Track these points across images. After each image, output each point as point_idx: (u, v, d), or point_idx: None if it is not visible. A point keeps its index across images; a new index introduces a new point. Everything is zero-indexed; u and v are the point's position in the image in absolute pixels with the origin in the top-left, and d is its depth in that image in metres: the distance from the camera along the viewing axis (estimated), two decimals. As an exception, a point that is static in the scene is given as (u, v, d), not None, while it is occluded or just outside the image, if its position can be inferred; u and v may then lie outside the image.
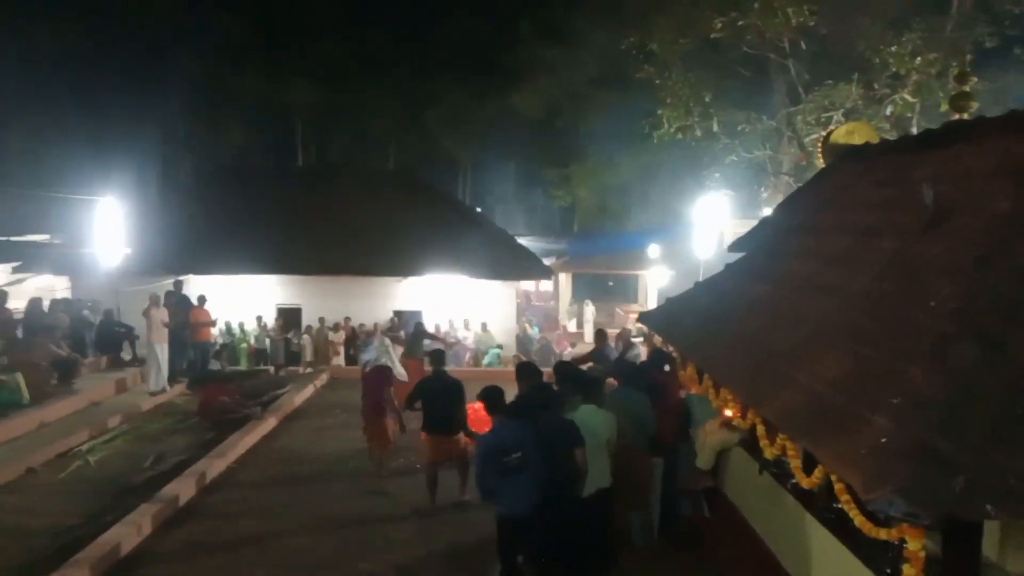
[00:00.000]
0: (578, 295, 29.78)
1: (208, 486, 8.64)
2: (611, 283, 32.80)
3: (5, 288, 13.86)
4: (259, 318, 17.83)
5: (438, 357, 8.29)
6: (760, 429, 4.50)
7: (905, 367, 3.36)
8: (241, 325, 17.96)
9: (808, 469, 3.93)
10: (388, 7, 44.13)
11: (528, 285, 27.42)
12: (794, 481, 4.28)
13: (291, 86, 40.28)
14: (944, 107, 14.59)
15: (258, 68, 39.79)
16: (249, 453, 10.04)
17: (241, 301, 18.19)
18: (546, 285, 29.63)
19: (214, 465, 9.08)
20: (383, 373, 8.82)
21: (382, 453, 8.76)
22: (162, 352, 13.33)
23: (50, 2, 33.54)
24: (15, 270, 18.15)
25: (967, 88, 5.63)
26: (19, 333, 12.64)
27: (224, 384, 12.66)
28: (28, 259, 18.69)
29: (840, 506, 3.59)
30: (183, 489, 8.18)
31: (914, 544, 3.05)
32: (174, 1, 38.17)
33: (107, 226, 16.03)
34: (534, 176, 42.67)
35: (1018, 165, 4.04)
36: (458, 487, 8.03)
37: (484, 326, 18.43)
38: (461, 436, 7.83)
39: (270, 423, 11.34)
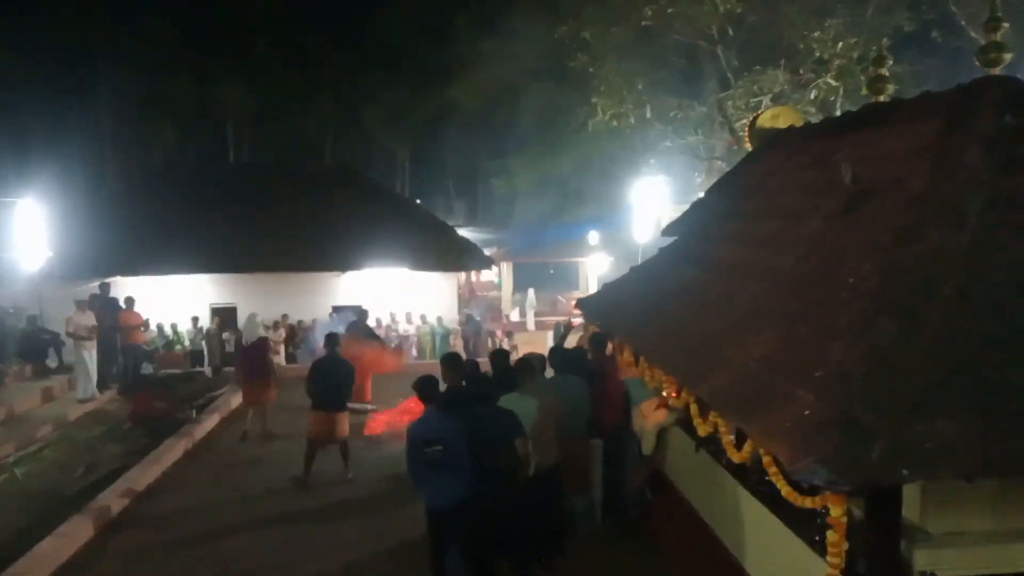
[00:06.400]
0: (520, 284, 29.92)
1: (143, 493, 8.39)
2: (552, 271, 33.04)
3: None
4: (195, 319, 17.37)
5: (332, 339, 9.00)
6: (694, 408, 4.60)
7: (828, 343, 3.47)
8: (174, 327, 17.48)
9: (739, 444, 4.04)
10: (320, 5, 43.34)
11: (471, 276, 27.38)
12: (728, 457, 4.39)
13: (223, 87, 39.33)
14: (865, 90, 15.09)
15: (189, 70, 38.73)
16: (185, 458, 9.78)
17: (174, 302, 17.71)
18: (487, 275, 29.65)
19: (149, 471, 8.82)
20: (265, 343, 11.05)
21: (264, 409, 10.41)
22: (90, 357, 12.85)
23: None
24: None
25: (884, 71, 5.82)
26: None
27: (157, 388, 12.30)
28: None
29: (770, 478, 3.70)
30: (117, 497, 7.92)
31: (836, 511, 3.16)
32: (103, 6, 36.91)
33: (27, 229, 15.35)
34: (474, 168, 42.56)
35: (932, 146, 4.20)
36: (342, 466, 8.71)
37: (423, 317, 18.33)
38: (345, 416, 8.60)
39: (206, 426, 11.06)
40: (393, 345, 17.51)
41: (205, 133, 41.95)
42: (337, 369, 8.56)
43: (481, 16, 35.61)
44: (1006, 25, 4.14)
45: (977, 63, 4.23)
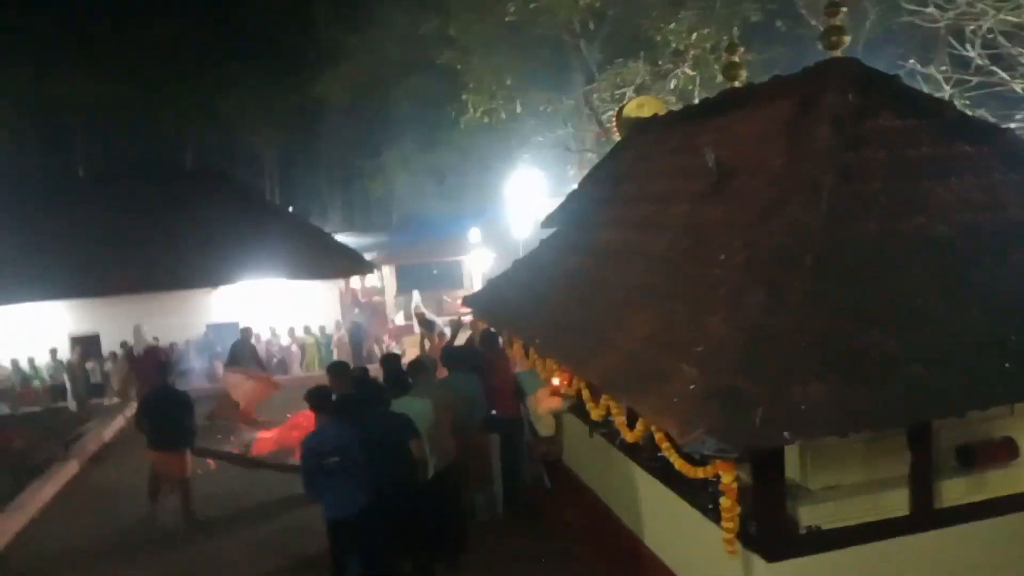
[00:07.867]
0: (404, 287, 29.57)
1: (10, 543, 7.70)
2: (435, 271, 32.84)
3: None
4: (53, 351, 16.05)
5: (164, 369, 8.22)
6: (585, 393, 4.70)
7: (705, 318, 3.63)
8: (31, 360, 16.11)
9: (631, 424, 4.16)
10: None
11: (354, 282, 26.85)
12: (621, 438, 4.51)
13: (67, 80, 35.73)
14: (719, 78, 15.89)
15: (27, 62, 34.90)
16: (56, 499, 9.04)
17: (28, 334, 16.32)
18: (371, 280, 29.17)
19: (14, 519, 8.09)
20: (156, 350, 12.37)
21: None
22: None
23: None
24: None
25: (736, 59, 6.15)
26: None
27: (16, 427, 11.32)
28: None
29: (663, 454, 3.83)
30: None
31: (727, 477, 3.32)
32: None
33: None
34: (348, 170, 41.55)
35: (785, 126, 4.46)
36: (181, 509, 7.58)
37: (307, 329, 17.78)
38: (182, 455, 7.46)
39: (77, 463, 10.27)
40: (275, 361, 16.90)
41: (47, 135, 38.21)
42: (173, 403, 7.45)
43: (345, 6, 34.57)
44: (844, 9, 4.44)
45: (820, 47, 4.53)
